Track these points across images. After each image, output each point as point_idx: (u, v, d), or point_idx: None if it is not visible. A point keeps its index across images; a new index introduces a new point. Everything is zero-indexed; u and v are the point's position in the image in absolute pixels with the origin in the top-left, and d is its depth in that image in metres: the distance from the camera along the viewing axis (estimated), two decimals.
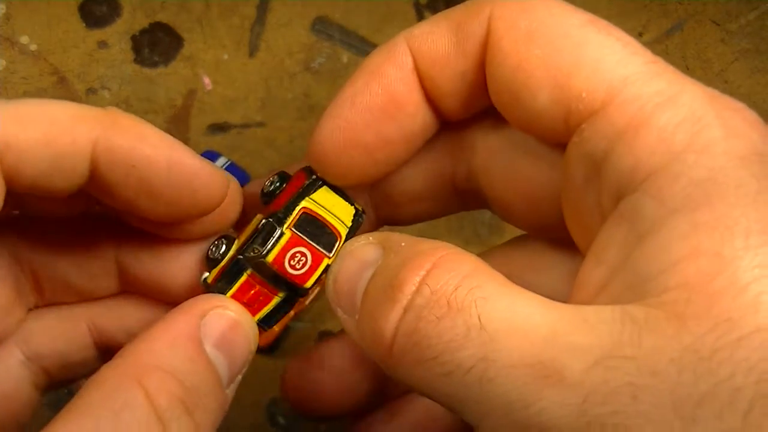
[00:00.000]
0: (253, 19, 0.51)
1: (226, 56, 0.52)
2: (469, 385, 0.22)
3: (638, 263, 0.22)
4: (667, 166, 0.22)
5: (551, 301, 0.23)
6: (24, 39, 0.49)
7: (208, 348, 0.26)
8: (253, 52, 0.52)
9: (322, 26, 0.52)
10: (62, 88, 0.50)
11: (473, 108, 0.29)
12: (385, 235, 0.28)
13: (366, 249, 0.27)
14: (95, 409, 0.23)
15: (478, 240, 0.52)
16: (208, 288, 0.29)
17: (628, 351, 0.21)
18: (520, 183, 0.29)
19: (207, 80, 0.52)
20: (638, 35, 0.56)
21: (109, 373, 0.24)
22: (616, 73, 0.24)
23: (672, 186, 0.22)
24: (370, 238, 0.28)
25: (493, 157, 0.29)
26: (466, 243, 0.52)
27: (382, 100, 0.28)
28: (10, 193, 0.27)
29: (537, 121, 0.26)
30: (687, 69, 0.56)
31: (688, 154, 0.22)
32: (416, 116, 0.29)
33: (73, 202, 0.29)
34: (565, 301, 0.23)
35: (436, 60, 0.27)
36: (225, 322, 0.27)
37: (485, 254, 0.32)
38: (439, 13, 0.28)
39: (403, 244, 0.26)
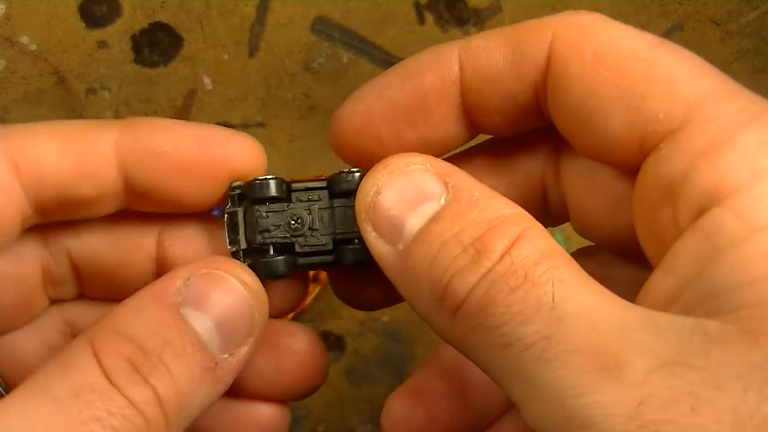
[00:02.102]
0: (253, 19, 0.51)
1: (226, 56, 0.52)
2: (525, 361, 0.21)
3: (714, 277, 0.22)
4: (751, 185, 0.22)
5: (623, 299, 0.23)
6: (24, 39, 0.49)
7: (187, 309, 0.25)
8: (253, 52, 0.52)
9: (322, 26, 0.52)
10: (62, 88, 0.50)
11: (519, 128, 0.28)
12: (447, 168, 0.26)
13: (425, 177, 0.26)
14: (49, 367, 0.23)
15: None
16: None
17: (695, 360, 0.20)
18: (598, 192, 0.28)
19: (207, 80, 0.52)
20: None
21: (73, 341, 0.24)
22: (692, 93, 0.24)
23: (756, 205, 0.22)
24: (428, 164, 0.26)
25: (575, 162, 0.28)
26: None
27: (410, 102, 0.27)
28: (41, 206, 0.27)
29: (609, 146, 0.25)
30: None
31: None
32: (441, 126, 0.28)
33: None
34: None
35: (487, 76, 0.27)
36: (210, 282, 0.26)
37: None
38: (497, 29, 0.27)
39: (476, 193, 0.25)
